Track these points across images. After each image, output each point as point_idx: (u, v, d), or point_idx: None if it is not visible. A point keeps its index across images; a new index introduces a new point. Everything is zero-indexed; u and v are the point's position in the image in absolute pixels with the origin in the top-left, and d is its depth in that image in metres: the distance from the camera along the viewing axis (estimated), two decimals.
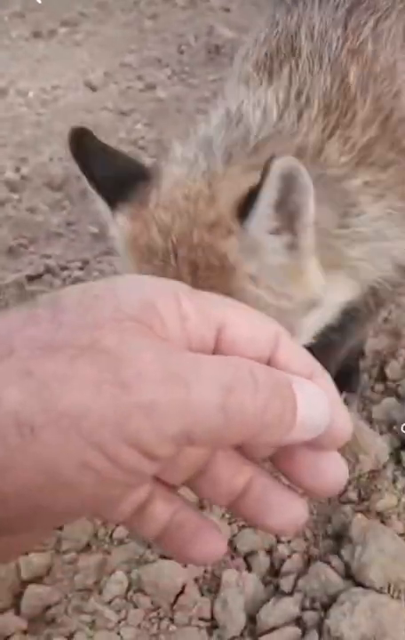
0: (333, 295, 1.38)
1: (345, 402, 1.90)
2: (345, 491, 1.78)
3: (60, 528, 1.78)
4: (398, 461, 1.82)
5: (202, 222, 1.25)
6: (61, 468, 0.50)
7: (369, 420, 1.93)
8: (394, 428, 1.89)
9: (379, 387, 2.03)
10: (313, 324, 1.39)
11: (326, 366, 0.65)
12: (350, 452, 1.78)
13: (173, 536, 0.63)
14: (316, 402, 0.58)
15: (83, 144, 1.32)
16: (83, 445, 0.50)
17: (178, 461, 0.60)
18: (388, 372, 2.04)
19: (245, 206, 1.20)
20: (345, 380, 2.00)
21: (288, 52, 1.51)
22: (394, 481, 1.78)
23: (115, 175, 1.36)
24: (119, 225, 1.34)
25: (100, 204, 1.37)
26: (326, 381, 0.61)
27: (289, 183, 1.15)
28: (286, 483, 0.66)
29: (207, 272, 1.22)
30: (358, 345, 2.06)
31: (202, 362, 0.54)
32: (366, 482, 1.79)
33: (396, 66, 1.50)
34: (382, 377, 2.06)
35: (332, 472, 0.63)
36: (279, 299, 1.25)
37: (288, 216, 1.21)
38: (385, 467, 1.81)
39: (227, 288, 1.19)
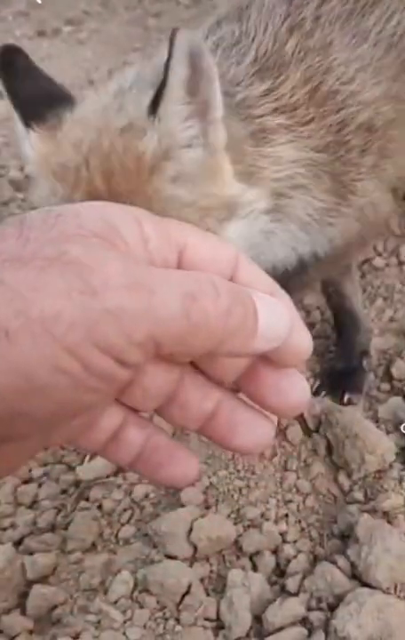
0: (256, 203, 1.39)
1: (349, 402, 1.91)
2: (351, 490, 1.78)
3: (65, 528, 1.79)
4: (404, 461, 1.81)
5: (113, 129, 1.24)
6: (36, 371, 0.52)
7: (376, 420, 1.92)
8: (401, 427, 1.88)
9: (385, 386, 2.02)
10: (242, 235, 1.36)
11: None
12: (356, 451, 1.77)
13: (147, 460, 0.66)
14: (276, 311, 0.61)
15: (12, 62, 1.32)
16: (56, 350, 0.52)
17: (147, 386, 0.62)
18: (394, 371, 2.03)
19: (156, 103, 1.19)
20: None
21: (235, 18, 1.58)
22: (401, 481, 1.77)
23: (38, 97, 1.35)
24: (32, 145, 1.33)
25: (17, 125, 1.36)
26: (286, 300, 0.64)
27: (195, 61, 1.14)
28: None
29: (123, 177, 1.20)
30: (361, 344, 2.05)
31: (166, 273, 0.57)
32: (372, 482, 1.79)
33: (331, 45, 1.56)
34: (388, 376, 2.05)
35: (294, 390, 0.66)
36: (198, 197, 1.24)
37: (198, 105, 1.21)
38: (391, 466, 1.80)
39: (146, 191, 1.19)
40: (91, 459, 1.90)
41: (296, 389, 0.66)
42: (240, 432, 0.66)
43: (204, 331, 0.55)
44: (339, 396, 1.96)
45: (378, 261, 2.36)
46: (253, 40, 1.52)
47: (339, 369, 2.04)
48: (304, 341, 0.65)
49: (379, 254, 2.39)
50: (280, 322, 0.61)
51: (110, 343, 0.53)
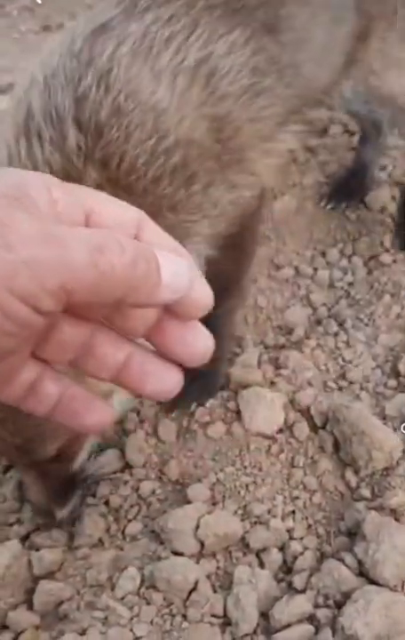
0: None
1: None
2: (358, 487, 1.78)
3: (72, 524, 1.78)
4: None
5: None
6: None
7: (383, 417, 1.92)
8: None
9: (392, 382, 2.02)
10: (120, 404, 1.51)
11: None
12: (363, 448, 1.77)
13: (65, 409, 0.72)
14: (177, 266, 0.67)
15: None
16: None
17: (61, 339, 0.68)
18: (401, 367, 2.02)
19: None
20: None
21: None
22: None
23: None
24: None
25: None
26: (187, 258, 0.70)
27: None
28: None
29: None
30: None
31: (75, 230, 0.62)
32: (379, 479, 1.78)
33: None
34: (395, 373, 2.04)
35: (198, 341, 0.72)
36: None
37: None
38: (398, 463, 1.79)
39: None
40: (97, 455, 1.89)
41: (200, 340, 0.72)
42: (150, 381, 0.71)
43: (111, 280, 0.61)
44: None
45: (385, 257, 2.36)
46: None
47: None
48: (204, 295, 0.70)
49: (387, 250, 2.38)
50: (181, 275, 0.67)
51: (26, 291, 0.58)
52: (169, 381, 0.72)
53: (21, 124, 1.42)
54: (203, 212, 1.57)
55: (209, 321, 1.63)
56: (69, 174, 1.36)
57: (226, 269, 1.80)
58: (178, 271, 0.67)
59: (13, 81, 3.39)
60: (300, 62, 1.72)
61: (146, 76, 1.45)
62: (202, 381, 1.94)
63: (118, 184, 1.41)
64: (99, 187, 1.35)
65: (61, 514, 1.69)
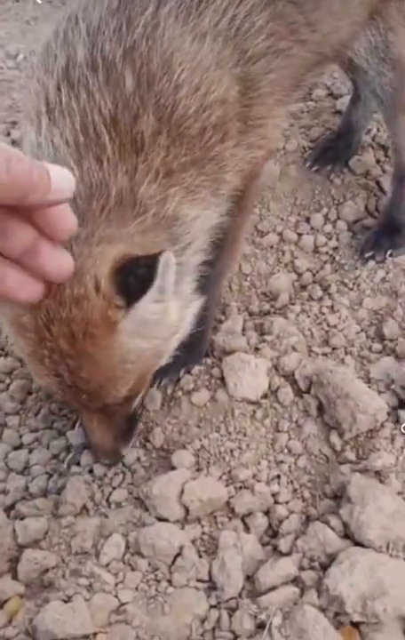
0: (188, 316, 1.65)
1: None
2: (343, 450, 1.76)
3: (57, 492, 1.78)
4: (396, 420, 1.79)
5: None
6: None
7: (367, 380, 1.90)
8: (392, 387, 1.86)
9: (377, 346, 2.00)
10: (182, 336, 1.67)
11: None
12: (348, 411, 1.75)
13: (28, 265, 0.93)
14: (62, 174, 0.89)
15: None
16: None
17: None
18: (386, 331, 2.01)
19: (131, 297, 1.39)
20: None
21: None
22: (393, 440, 1.76)
23: None
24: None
25: None
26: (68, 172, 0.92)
27: (168, 270, 1.40)
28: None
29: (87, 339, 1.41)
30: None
31: None
32: (364, 441, 1.77)
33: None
34: (380, 336, 2.02)
35: (65, 259, 0.95)
36: (153, 342, 1.51)
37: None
38: (383, 426, 1.78)
39: (109, 345, 1.42)
40: (81, 424, 1.88)
41: (66, 260, 0.94)
42: (50, 261, 0.93)
43: (17, 181, 0.83)
44: None
45: (369, 221, 2.33)
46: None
47: None
48: (70, 218, 0.94)
49: (370, 214, 2.36)
50: (66, 180, 0.89)
51: None
52: (65, 261, 0.94)
53: (61, 74, 1.50)
54: (230, 166, 1.67)
55: (199, 285, 1.64)
56: (120, 118, 1.46)
57: (226, 226, 1.83)
58: (64, 177, 0.88)
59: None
60: (316, 20, 1.79)
61: (189, 36, 1.55)
62: (187, 348, 1.93)
63: (171, 132, 1.51)
64: (155, 131, 1.48)
65: (126, 450, 1.75)
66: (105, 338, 1.41)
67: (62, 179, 0.88)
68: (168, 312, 1.50)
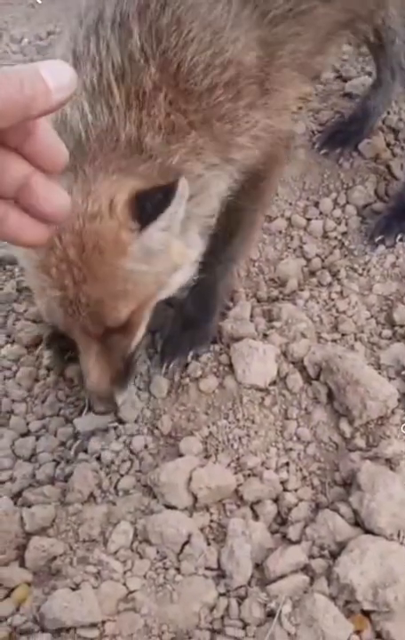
0: (190, 254, 1.67)
1: None
2: (353, 437, 1.75)
3: (64, 480, 1.76)
4: None
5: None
6: None
7: (378, 366, 1.88)
8: (403, 373, 1.84)
9: (387, 332, 1.98)
10: (182, 276, 1.69)
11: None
12: (358, 397, 1.74)
13: (26, 203, 0.86)
14: (58, 69, 0.80)
15: None
16: None
17: None
18: (396, 316, 1.98)
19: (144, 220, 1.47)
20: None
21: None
22: (403, 427, 1.74)
23: None
24: None
25: None
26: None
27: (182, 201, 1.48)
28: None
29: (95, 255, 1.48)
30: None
31: None
32: (374, 428, 1.75)
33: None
34: (390, 322, 2.00)
35: (61, 197, 0.87)
36: (154, 269, 1.56)
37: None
38: (393, 413, 1.76)
39: (115, 263, 1.49)
40: (88, 411, 1.87)
41: (61, 197, 0.86)
42: (48, 200, 0.86)
43: (10, 104, 0.76)
44: None
45: (379, 206, 2.30)
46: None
47: None
48: (59, 146, 0.86)
49: (380, 198, 2.33)
50: (64, 75, 0.81)
51: None
52: (62, 201, 0.87)
53: (92, 27, 1.59)
54: (244, 127, 1.67)
55: (210, 269, 1.73)
56: (128, 69, 1.53)
57: (242, 208, 1.85)
58: (60, 72, 0.80)
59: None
60: None
61: None
62: (195, 331, 1.92)
63: (177, 87, 1.55)
64: (156, 86, 1.52)
65: (121, 398, 1.73)
66: (112, 255, 1.49)
67: (59, 74, 0.81)
68: (171, 246, 1.58)
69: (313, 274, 2.18)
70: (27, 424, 1.92)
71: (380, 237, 2.18)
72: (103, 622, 1.51)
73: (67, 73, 0.82)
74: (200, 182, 1.63)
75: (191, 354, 1.91)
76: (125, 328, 1.61)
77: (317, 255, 2.22)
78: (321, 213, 2.32)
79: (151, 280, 1.59)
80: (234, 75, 1.59)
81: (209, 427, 1.79)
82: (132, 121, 1.52)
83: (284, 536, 1.62)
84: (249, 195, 1.82)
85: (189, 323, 1.95)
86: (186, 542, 1.60)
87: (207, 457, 1.74)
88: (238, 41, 1.59)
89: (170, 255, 1.58)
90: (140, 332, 1.68)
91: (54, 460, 1.83)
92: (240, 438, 1.76)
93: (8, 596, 1.59)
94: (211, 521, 1.66)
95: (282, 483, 1.70)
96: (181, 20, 1.54)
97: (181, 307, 1.97)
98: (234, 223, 1.88)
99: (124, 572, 1.58)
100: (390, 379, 1.84)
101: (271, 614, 1.50)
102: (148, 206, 1.46)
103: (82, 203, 1.47)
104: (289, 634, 1.46)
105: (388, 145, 2.48)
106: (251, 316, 2.02)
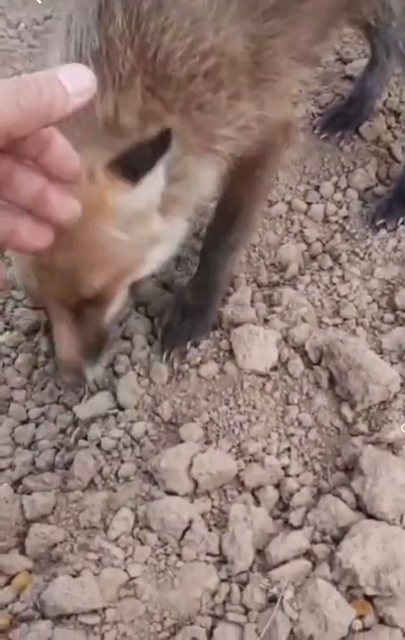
0: (172, 232, 1.63)
1: None
2: (355, 422, 1.73)
3: (65, 467, 1.76)
4: None
5: None
6: None
7: (379, 351, 1.86)
8: None
9: (389, 316, 1.96)
10: (161, 254, 1.64)
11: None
12: (360, 382, 1.72)
13: (37, 212, 0.87)
14: (76, 73, 0.81)
15: None
16: None
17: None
18: (398, 301, 1.96)
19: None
20: None
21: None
22: None
23: None
24: None
25: None
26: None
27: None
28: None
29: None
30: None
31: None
32: (376, 413, 1.74)
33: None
34: (392, 307, 1.98)
35: (74, 205, 0.89)
36: (133, 239, 1.51)
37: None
38: (395, 397, 1.75)
39: (93, 227, 1.43)
40: (88, 398, 1.86)
41: (75, 204, 0.88)
42: (62, 208, 0.87)
43: (28, 109, 0.76)
44: None
45: (380, 189, 2.27)
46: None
47: None
48: (73, 157, 0.86)
49: (381, 181, 2.30)
50: (82, 78, 0.81)
51: None
52: (73, 207, 0.89)
53: (91, 13, 1.56)
54: (228, 119, 1.63)
55: (210, 256, 1.59)
56: (109, 53, 1.50)
57: (239, 196, 1.81)
58: (79, 75, 0.81)
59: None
60: None
61: None
62: (195, 318, 1.90)
63: (155, 74, 1.52)
64: (133, 70, 1.49)
65: (92, 373, 1.70)
66: (93, 220, 1.43)
67: (77, 78, 0.80)
68: (152, 217, 1.55)
69: (313, 258, 2.16)
70: (27, 411, 1.91)
71: (382, 221, 2.16)
72: (104, 609, 1.50)
73: (86, 76, 0.81)
74: (181, 166, 1.59)
75: (190, 343, 1.90)
76: (99, 300, 1.58)
77: (318, 239, 2.20)
78: (321, 197, 2.30)
79: (128, 251, 1.55)
80: (214, 65, 1.56)
81: (209, 412, 1.78)
82: (109, 102, 1.49)
83: (286, 521, 1.61)
84: (246, 182, 1.79)
85: (189, 311, 1.93)
86: (188, 528, 1.59)
87: (208, 443, 1.73)
88: (220, 32, 1.56)
89: (149, 227, 1.55)
90: (114, 307, 1.64)
91: (54, 447, 1.82)
92: (241, 424, 1.75)
93: (8, 583, 1.58)
94: (213, 507, 1.65)
95: (284, 468, 1.69)
96: (161, 6, 1.52)
97: (181, 295, 1.96)
98: (232, 211, 1.85)
99: (125, 559, 1.57)
100: (392, 363, 1.82)
101: (273, 600, 1.49)
102: (139, 163, 1.42)
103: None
104: (291, 619, 1.45)
105: (389, 127, 2.45)
106: (252, 301, 2.00)
